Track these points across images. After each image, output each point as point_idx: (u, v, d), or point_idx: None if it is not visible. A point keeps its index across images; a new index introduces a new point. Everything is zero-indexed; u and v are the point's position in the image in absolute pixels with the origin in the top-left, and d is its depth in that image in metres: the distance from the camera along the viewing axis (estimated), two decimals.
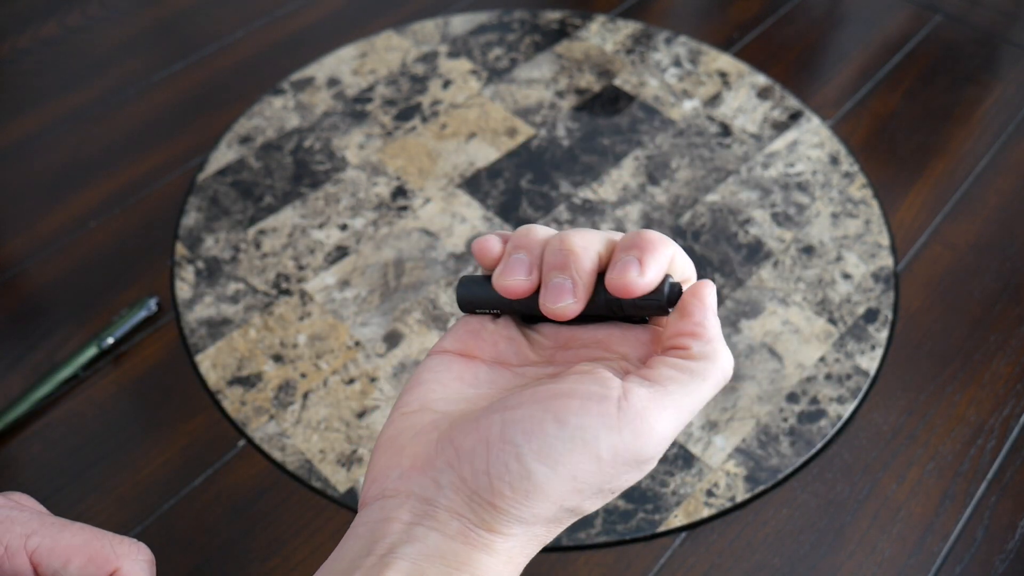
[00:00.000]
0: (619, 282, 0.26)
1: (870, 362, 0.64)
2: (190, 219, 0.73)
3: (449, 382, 0.29)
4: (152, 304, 0.66)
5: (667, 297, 0.27)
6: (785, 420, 0.61)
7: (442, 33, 0.88)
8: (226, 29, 0.89)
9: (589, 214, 0.73)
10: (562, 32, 0.89)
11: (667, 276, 0.27)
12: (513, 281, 0.28)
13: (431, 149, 0.78)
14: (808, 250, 0.71)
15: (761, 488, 0.58)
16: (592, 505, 0.26)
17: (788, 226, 0.72)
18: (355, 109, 0.81)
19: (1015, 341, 0.66)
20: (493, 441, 0.25)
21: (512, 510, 0.25)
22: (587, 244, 0.27)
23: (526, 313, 0.29)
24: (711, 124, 0.80)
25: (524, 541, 0.26)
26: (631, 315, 0.28)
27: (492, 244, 0.29)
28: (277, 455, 0.59)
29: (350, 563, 0.24)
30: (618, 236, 0.28)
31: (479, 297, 0.29)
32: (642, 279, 0.26)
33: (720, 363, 0.26)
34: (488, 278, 0.29)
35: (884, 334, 0.66)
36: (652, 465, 0.25)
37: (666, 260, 0.27)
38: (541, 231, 0.29)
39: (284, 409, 0.61)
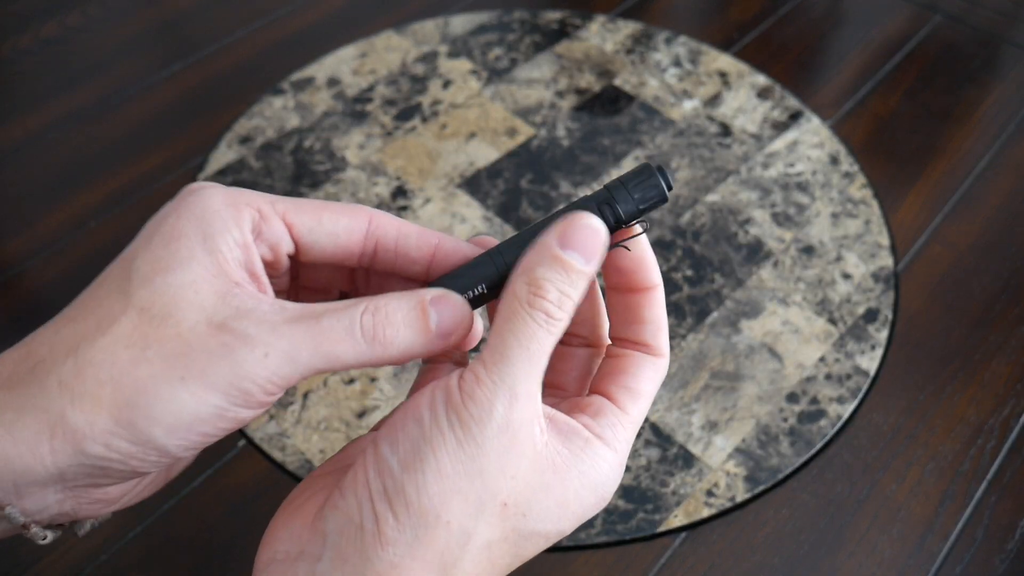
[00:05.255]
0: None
1: (870, 362, 0.64)
2: None
3: None
4: None
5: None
6: (785, 420, 0.61)
7: (442, 33, 0.88)
8: (226, 29, 0.89)
9: None
10: (562, 32, 0.89)
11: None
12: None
13: (431, 149, 0.78)
14: (808, 250, 0.71)
15: (761, 488, 0.58)
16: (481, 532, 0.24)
17: (788, 226, 0.72)
18: (355, 109, 0.81)
19: (1015, 341, 0.66)
20: (370, 464, 0.24)
21: (400, 536, 0.24)
22: None
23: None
24: (711, 124, 0.80)
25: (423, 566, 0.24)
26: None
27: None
28: (277, 455, 0.59)
29: None
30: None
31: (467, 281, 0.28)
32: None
33: None
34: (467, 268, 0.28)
35: (884, 334, 0.66)
36: None
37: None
38: None
39: (284, 409, 0.61)
